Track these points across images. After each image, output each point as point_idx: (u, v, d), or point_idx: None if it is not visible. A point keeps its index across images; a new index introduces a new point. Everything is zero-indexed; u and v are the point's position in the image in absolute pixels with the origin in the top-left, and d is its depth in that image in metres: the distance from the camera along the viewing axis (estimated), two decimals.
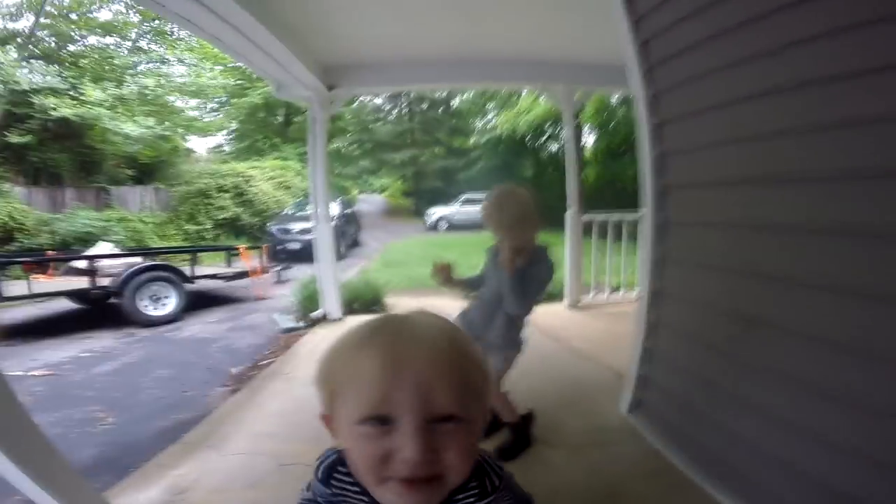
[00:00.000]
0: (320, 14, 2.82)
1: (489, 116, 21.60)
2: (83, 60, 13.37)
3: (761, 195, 1.41)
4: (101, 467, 2.12)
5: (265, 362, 3.41)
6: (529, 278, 1.63)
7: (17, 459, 1.04)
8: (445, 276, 1.70)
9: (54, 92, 11.39)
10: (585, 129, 18.93)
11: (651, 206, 1.95)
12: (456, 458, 0.47)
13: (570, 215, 4.26)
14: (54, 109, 11.21)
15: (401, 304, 4.42)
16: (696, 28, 1.56)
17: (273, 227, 10.79)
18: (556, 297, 4.46)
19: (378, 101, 22.28)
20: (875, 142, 1.04)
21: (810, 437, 1.23)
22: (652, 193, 1.93)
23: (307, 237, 7.77)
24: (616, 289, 4.47)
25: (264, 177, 14.61)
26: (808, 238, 1.24)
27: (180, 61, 16.00)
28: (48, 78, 11.45)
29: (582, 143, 19.55)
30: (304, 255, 7.34)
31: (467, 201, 16.32)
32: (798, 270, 1.28)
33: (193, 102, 17.08)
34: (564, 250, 4.26)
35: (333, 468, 0.62)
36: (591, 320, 4.00)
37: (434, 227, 16.95)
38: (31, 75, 11.21)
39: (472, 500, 0.58)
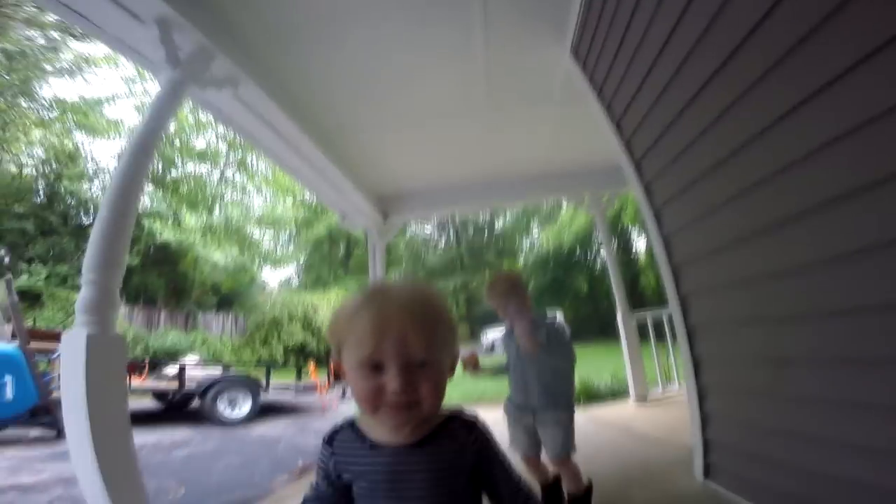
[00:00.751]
0: (375, 152, 3.46)
1: (534, 234, 22.11)
2: (182, 187, 14.31)
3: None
4: None
5: None
6: (553, 335, 1.81)
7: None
8: (474, 365, 1.94)
9: (160, 216, 12.28)
10: (633, 233, 18.62)
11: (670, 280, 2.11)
12: (428, 390, 0.65)
13: (621, 316, 4.40)
14: (160, 233, 11.94)
15: None
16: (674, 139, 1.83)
17: None
18: (622, 393, 4.46)
19: (428, 230, 23.81)
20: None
21: (852, 447, 1.25)
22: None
23: None
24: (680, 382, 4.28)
25: (328, 306, 15.76)
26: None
27: (258, 192, 17.16)
28: (155, 204, 12.35)
29: (633, 248, 19.13)
30: None
31: None
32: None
33: (268, 234, 18.27)
34: (622, 350, 4.35)
35: (338, 431, 0.77)
36: (658, 411, 3.86)
37: (491, 348, 16.76)
38: (144, 198, 11.77)
39: (462, 431, 0.73)
